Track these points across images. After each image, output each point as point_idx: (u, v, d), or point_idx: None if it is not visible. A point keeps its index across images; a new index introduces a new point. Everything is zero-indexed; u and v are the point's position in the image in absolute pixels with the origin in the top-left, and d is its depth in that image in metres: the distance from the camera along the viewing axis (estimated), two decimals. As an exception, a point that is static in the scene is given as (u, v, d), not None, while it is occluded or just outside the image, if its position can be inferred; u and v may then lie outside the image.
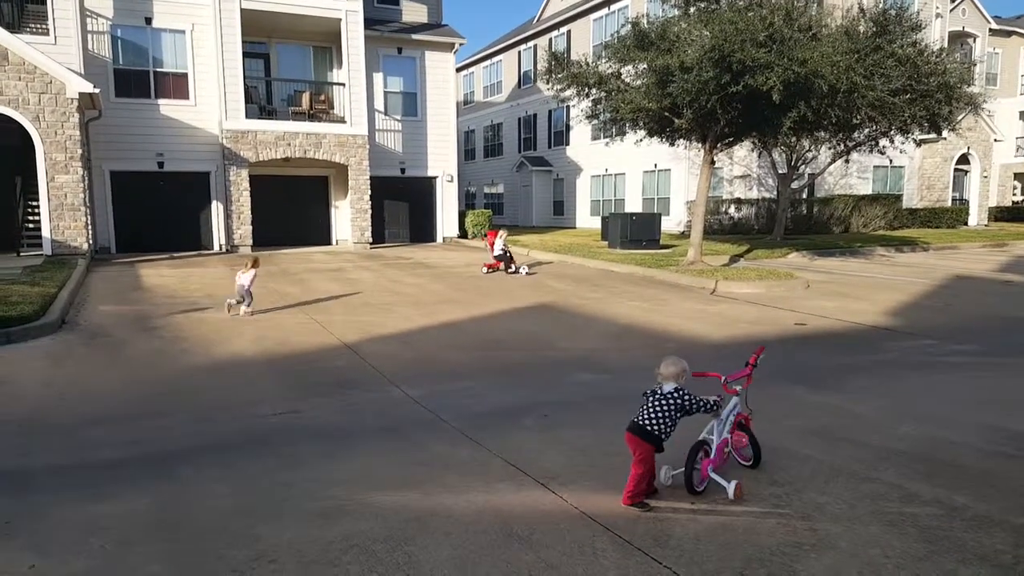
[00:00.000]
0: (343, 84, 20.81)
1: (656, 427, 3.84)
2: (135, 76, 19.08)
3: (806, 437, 4.99)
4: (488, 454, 4.63)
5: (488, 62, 38.38)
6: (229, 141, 19.33)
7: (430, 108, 23.30)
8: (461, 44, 23.48)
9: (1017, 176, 37.58)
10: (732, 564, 3.20)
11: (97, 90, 15.94)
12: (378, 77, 22.44)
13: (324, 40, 21.58)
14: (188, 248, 19.63)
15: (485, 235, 16.34)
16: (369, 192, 21.15)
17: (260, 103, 20.82)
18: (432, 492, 4.04)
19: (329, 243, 22.40)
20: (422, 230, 23.88)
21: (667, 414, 3.86)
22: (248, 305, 10.24)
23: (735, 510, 3.79)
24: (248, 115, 19.65)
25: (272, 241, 20.75)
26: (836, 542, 3.41)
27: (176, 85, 19.53)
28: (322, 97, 21.30)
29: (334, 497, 3.97)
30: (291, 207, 21.93)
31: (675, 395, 3.89)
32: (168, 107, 19.42)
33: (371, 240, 21.48)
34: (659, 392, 3.94)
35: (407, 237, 23.71)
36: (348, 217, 21.58)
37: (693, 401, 3.91)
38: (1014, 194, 37.67)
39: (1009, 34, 36.32)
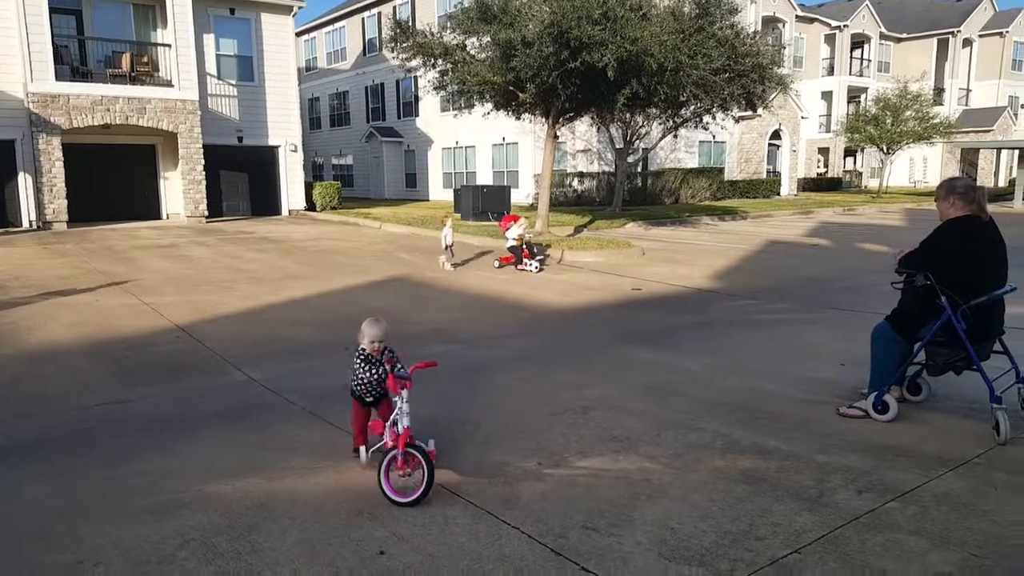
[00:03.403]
0: (169, 45, 19.14)
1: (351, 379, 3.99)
2: (-93, 26, 16.45)
3: (642, 393, 5.34)
4: (338, 433, 4.53)
5: (331, 27, 36.82)
6: (37, 106, 17.23)
7: (269, 73, 22.02)
8: (300, 7, 22.37)
9: (821, 150, 41.99)
10: (575, 518, 3.37)
11: None
12: (209, 39, 20.84)
13: (145, -4, 19.70)
14: (-11, 226, 17.41)
15: (500, 221, 12.96)
16: (203, 162, 19.75)
17: (73, 64, 18.66)
18: (278, 477, 3.90)
19: (159, 217, 20.73)
20: (265, 202, 22.69)
21: (352, 370, 3.96)
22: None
23: (580, 466, 4.00)
24: (59, 77, 17.59)
25: (93, 216, 18.86)
26: (668, 490, 3.68)
27: (-37, 39, 17.05)
28: (145, 59, 19.47)
29: (168, 491, 3.72)
30: (114, 179, 20.00)
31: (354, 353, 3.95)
32: (-46, 65, 16.93)
33: (207, 213, 20.12)
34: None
35: (248, 210, 22.44)
36: (180, 189, 20.05)
37: (354, 363, 3.92)
38: (818, 166, 42.10)
39: (812, 21, 40.20)
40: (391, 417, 3.81)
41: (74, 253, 13.53)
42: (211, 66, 21.00)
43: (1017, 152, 33.29)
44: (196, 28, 19.53)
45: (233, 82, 21.57)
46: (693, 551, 3.07)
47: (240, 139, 21.81)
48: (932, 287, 4.36)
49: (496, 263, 12.19)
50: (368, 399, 3.99)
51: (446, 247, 11.89)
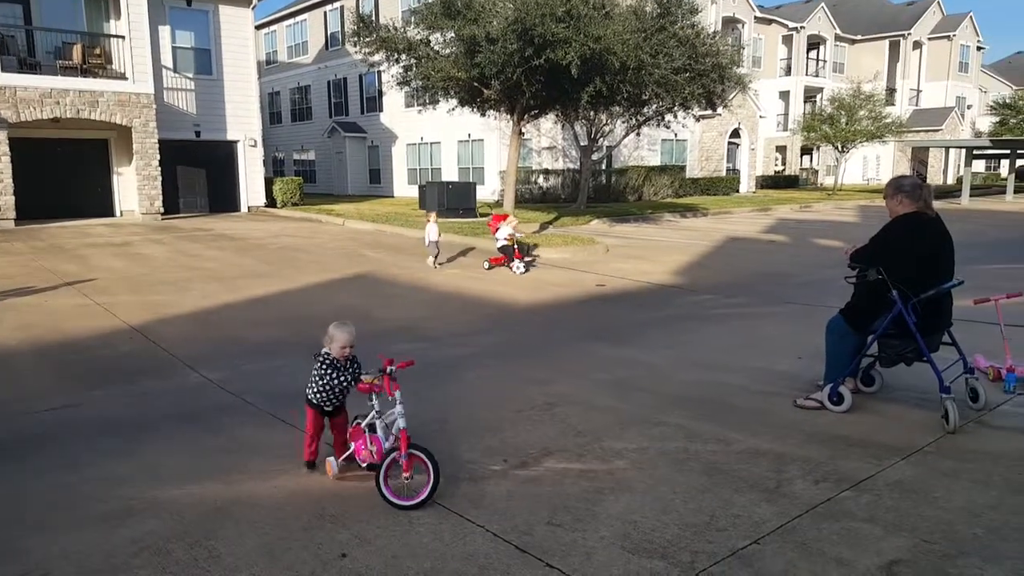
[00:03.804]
0: (122, 37, 18.61)
1: (307, 387, 3.81)
2: None
3: (607, 388, 5.38)
4: (299, 434, 4.42)
5: (292, 21, 36.24)
6: (-21, 98, 16.58)
7: (227, 67, 21.55)
8: (259, -1, 21.97)
9: (778, 148, 42.79)
10: (541, 515, 3.38)
11: None
12: (165, 30, 20.31)
13: (96, -14, 19.09)
14: (-70, 224, 16.70)
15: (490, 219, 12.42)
16: (158, 157, 19.24)
17: (20, 55, 17.98)
18: (236, 481, 3.82)
19: (113, 214, 20.15)
20: (224, 199, 22.20)
21: (311, 376, 3.78)
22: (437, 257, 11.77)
23: (545, 463, 4.00)
24: (5, 68, 16.97)
25: (42, 213, 18.24)
26: (632, 484, 3.71)
27: (-100, 28, 16.32)
28: (97, 50, 18.88)
29: (121, 497, 3.61)
30: (65, 174, 19.36)
31: (314, 359, 3.76)
32: None
33: (163, 210, 19.64)
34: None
35: (206, 207, 21.95)
36: (134, 185, 19.52)
37: (321, 368, 3.70)
38: (776, 164, 42.90)
39: (770, 22, 40.93)
40: (365, 422, 3.73)
41: (22, 251, 13.08)
42: (167, 59, 20.47)
43: (964, 151, 34.37)
44: (151, 19, 19.01)
45: (190, 75, 21.07)
46: (656, 544, 3.10)
47: (197, 134, 21.32)
48: (884, 281, 4.47)
49: (486, 264, 11.60)
50: (328, 408, 3.84)
51: (432, 243, 11.69)
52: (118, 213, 20.25)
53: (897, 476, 3.75)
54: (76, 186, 19.60)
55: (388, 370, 3.60)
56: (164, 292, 9.41)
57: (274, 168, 36.82)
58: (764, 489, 3.62)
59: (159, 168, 19.33)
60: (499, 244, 11.56)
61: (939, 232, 4.58)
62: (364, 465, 3.72)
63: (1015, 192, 32.28)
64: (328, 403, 3.82)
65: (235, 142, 22.06)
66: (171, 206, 20.42)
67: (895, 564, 2.92)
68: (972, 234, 16.01)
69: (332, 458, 3.81)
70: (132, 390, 5.51)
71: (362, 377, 3.69)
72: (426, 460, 3.47)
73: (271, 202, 23.18)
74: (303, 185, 24.82)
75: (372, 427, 3.68)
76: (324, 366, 3.72)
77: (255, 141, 22.42)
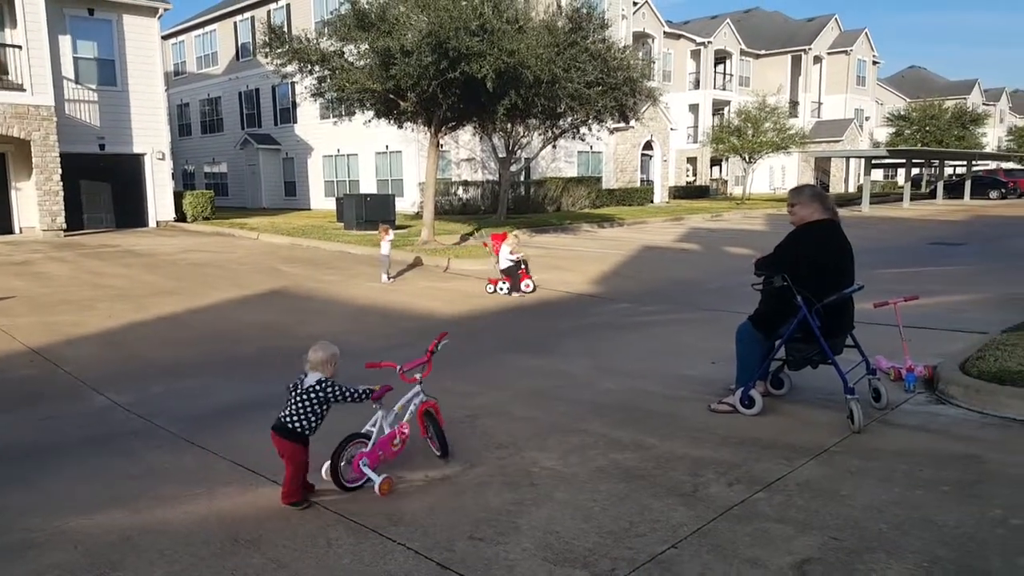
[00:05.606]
0: (19, 46, 17.60)
1: (298, 423, 3.64)
2: None
3: (528, 399, 5.42)
4: (212, 457, 4.31)
5: (201, 31, 35.06)
6: None
7: (132, 78, 20.69)
8: (166, 9, 21.20)
9: (689, 160, 44.35)
10: (462, 529, 3.36)
11: None
12: (65, 40, 19.36)
13: (-14, -8, 17.99)
14: None
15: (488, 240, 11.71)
16: (60, 171, 18.28)
17: (-99, 64, 16.73)
18: (145, 508, 3.66)
19: (11, 231, 19.02)
20: (131, 214, 21.25)
21: (309, 408, 3.65)
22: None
23: (467, 476, 3.99)
24: None
25: (-72, 232, 16.97)
26: (553, 494, 3.73)
27: None
28: (-10, 60, 17.80)
29: (21, 528, 3.42)
30: (-45, 191, 18.10)
31: (317, 387, 3.65)
32: None
33: (66, 227, 18.64)
34: (301, 385, 3.69)
35: (112, 222, 20.96)
36: (35, 201, 18.45)
37: (337, 392, 3.67)
38: (687, 175, 44.44)
39: (678, 37, 42.49)
40: (379, 424, 3.93)
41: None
42: (68, 69, 19.46)
43: (863, 160, 36.53)
44: (50, 29, 18.08)
45: (93, 87, 20.10)
46: (577, 553, 3.13)
47: (102, 147, 20.33)
48: (788, 288, 4.67)
49: (489, 288, 10.76)
50: (311, 435, 3.72)
51: (383, 257, 11.57)
52: (17, 230, 19.12)
53: (807, 476, 3.87)
54: (-32, 203, 18.35)
55: (437, 347, 4.25)
56: (68, 312, 8.91)
57: (184, 182, 35.47)
58: (681, 493, 3.70)
59: (61, 183, 18.38)
60: (503, 266, 10.69)
61: (840, 239, 4.80)
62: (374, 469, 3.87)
63: (911, 199, 34.52)
64: (315, 430, 3.72)
65: (142, 155, 21.18)
66: (75, 222, 19.41)
67: (806, 563, 3.00)
68: (872, 240, 16.96)
69: (378, 477, 3.78)
70: (33, 415, 5.21)
71: (362, 388, 3.79)
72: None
73: (181, 217, 22.35)
74: (215, 199, 24.05)
75: (380, 428, 3.95)
76: (330, 388, 3.65)
77: (163, 154, 21.58)
